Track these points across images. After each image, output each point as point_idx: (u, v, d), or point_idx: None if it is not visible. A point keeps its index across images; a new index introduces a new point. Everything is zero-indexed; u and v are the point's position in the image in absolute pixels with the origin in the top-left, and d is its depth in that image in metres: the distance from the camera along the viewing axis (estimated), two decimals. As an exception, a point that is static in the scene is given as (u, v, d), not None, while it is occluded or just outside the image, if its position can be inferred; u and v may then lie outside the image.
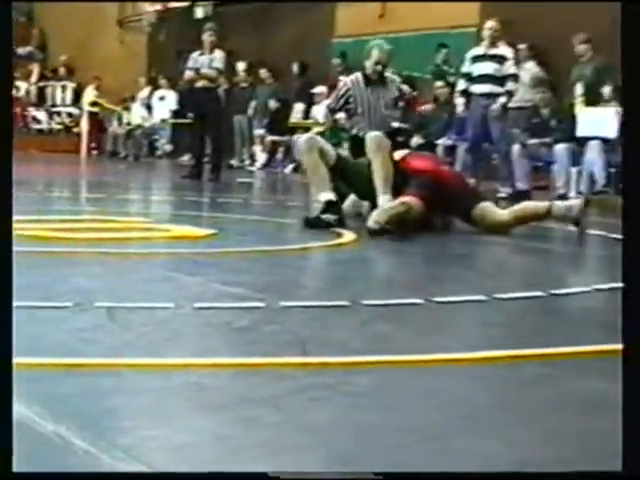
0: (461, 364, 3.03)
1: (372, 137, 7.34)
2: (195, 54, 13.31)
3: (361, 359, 3.03)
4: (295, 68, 17.13)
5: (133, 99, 21.26)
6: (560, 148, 11.26)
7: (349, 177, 7.43)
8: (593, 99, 11.65)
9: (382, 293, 4.39)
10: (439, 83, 13.98)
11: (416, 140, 12.73)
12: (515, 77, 11.51)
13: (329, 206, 7.01)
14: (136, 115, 20.80)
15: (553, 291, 4.29)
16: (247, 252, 5.56)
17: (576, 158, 11.27)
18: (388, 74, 8.51)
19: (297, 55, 17.17)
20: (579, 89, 11.85)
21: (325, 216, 6.92)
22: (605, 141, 10.95)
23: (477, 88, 11.52)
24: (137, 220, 7.35)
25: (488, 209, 7.15)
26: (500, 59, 11.46)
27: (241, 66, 18.01)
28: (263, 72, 17.64)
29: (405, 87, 9.27)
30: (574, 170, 11.32)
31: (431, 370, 2.98)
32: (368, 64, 8.29)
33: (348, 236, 6.37)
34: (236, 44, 17.24)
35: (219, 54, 13.13)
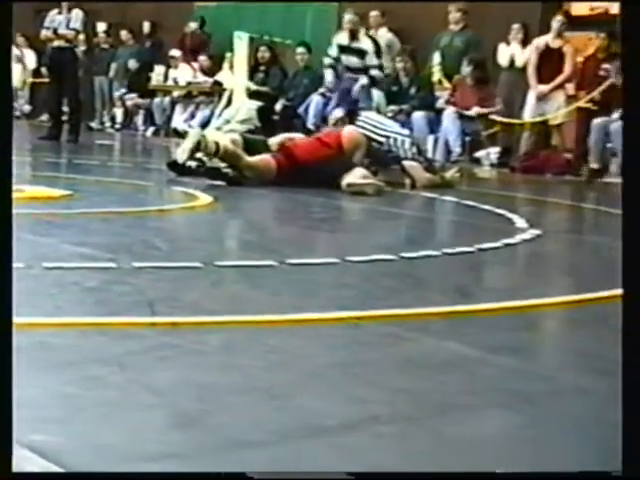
0: (309, 324, 3.07)
1: None
2: (52, 13, 13.01)
3: (211, 319, 3.04)
4: (146, 27, 16.97)
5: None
6: (418, 116, 11.40)
7: None
8: (453, 68, 11.73)
9: (235, 255, 4.41)
10: (300, 49, 13.91)
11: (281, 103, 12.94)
12: (379, 67, 11.79)
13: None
14: None
15: (403, 254, 4.37)
16: (101, 213, 5.50)
17: (433, 126, 11.43)
18: None
19: (157, 17, 16.94)
20: (437, 58, 11.94)
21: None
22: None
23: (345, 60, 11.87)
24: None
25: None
26: (361, 53, 11.80)
27: (101, 27, 17.70)
28: (124, 33, 17.37)
29: None
30: (431, 138, 11.47)
31: (280, 330, 3.01)
32: None
33: (204, 199, 6.35)
34: (96, 4, 16.91)
35: (77, 14, 12.86)
